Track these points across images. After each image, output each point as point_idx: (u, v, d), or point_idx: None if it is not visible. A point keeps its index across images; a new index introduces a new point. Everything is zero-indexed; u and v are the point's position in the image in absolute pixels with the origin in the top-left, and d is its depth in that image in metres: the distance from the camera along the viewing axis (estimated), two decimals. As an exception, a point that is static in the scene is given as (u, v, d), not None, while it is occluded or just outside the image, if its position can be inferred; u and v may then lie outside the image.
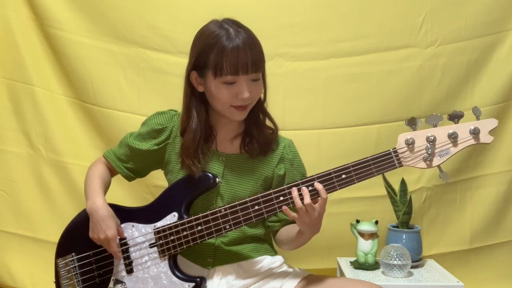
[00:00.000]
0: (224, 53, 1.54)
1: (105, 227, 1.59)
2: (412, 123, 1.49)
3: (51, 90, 2.36)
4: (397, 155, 1.49)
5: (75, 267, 1.65)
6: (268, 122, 1.74)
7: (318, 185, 1.49)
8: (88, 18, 2.32)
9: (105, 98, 2.33)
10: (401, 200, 2.17)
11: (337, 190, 1.51)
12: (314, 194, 1.49)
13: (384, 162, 1.49)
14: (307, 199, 1.48)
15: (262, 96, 1.70)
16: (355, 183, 1.50)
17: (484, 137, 1.45)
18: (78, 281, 1.65)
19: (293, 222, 1.71)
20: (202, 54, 1.59)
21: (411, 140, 1.47)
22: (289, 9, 2.31)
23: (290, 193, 1.52)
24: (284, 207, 1.50)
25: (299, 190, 1.50)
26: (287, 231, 1.71)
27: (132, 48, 2.32)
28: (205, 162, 1.67)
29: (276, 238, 1.76)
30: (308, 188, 1.50)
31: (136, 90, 2.34)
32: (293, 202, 1.51)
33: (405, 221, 2.18)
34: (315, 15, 2.30)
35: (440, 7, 2.29)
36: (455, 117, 1.46)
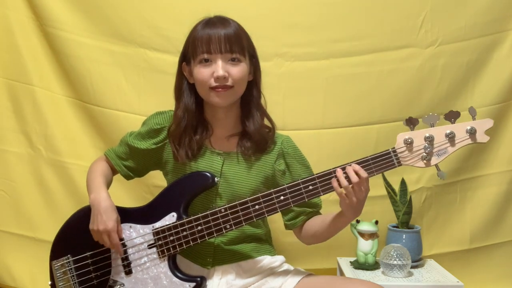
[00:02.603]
0: (199, 33, 1.61)
1: (106, 218, 1.59)
2: (410, 122, 1.51)
3: (51, 90, 2.35)
4: (396, 155, 1.51)
5: (71, 269, 1.65)
6: (266, 122, 1.75)
7: (356, 166, 1.49)
8: (88, 18, 2.31)
9: (105, 98, 2.33)
10: (401, 200, 2.17)
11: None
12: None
13: (384, 161, 1.51)
14: (355, 178, 1.47)
15: (255, 92, 1.70)
16: None
17: (481, 137, 1.48)
18: (75, 283, 1.64)
19: (313, 212, 1.71)
20: (187, 43, 1.66)
21: (409, 140, 1.49)
22: (289, 9, 2.31)
23: (291, 192, 1.53)
24: (333, 180, 1.50)
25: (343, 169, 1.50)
26: (321, 221, 1.69)
27: (132, 48, 2.32)
28: (203, 159, 1.68)
29: (305, 233, 1.73)
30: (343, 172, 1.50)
31: (136, 90, 2.34)
32: (294, 201, 1.52)
33: (405, 221, 2.18)
34: (315, 15, 2.30)
35: (440, 7, 2.29)
36: (452, 117, 1.49)
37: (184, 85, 1.70)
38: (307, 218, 1.73)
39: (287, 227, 1.76)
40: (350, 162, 1.51)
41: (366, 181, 1.50)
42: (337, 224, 1.62)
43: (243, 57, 1.63)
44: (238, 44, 1.62)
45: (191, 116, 1.67)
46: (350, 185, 1.49)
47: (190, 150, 1.67)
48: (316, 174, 1.53)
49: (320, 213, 1.74)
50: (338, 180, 1.50)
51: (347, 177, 1.49)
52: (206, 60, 1.61)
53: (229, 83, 1.61)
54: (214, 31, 1.59)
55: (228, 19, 1.65)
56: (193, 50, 1.62)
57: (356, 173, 1.48)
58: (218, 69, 1.59)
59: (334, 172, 1.51)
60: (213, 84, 1.61)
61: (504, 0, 2.28)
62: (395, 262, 2.00)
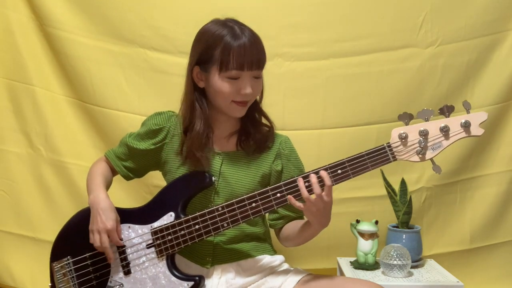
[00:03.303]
0: (231, 48, 1.57)
1: (105, 218, 1.59)
2: (404, 117, 1.52)
3: (51, 90, 2.36)
4: (391, 149, 1.51)
5: (70, 270, 1.65)
6: (265, 121, 1.76)
7: (323, 173, 1.50)
8: (88, 18, 2.31)
9: (105, 98, 2.33)
10: (401, 200, 2.16)
11: (333, 185, 1.51)
12: (319, 183, 1.50)
13: (379, 156, 1.52)
14: (318, 189, 1.48)
15: (258, 96, 1.72)
16: (350, 177, 1.52)
17: (475, 130, 1.49)
18: (75, 284, 1.64)
19: (297, 218, 1.72)
20: (207, 49, 1.61)
21: (404, 135, 1.50)
22: (289, 9, 2.31)
23: (287, 189, 1.53)
24: (289, 196, 1.50)
25: (305, 178, 1.51)
26: (293, 226, 1.71)
27: (132, 48, 2.32)
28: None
29: (281, 235, 1.77)
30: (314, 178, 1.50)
31: (136, 90, 2.34)
32: (311, 192, 1.52)
33: (405, 221, 2.18)
34: (315, 15, 2.30)
35: (440, 7, 2.29)
36: (446, 111, 1.49)
37: (197, 91, 1.68)
38: (286, 222, 1.75)
39: (270, 225, 1.79)
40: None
41: (328, 190, 1.49)
42: (306, 233, 1.63)
43: (262, 71, 1.66)
44: (264, 62, 1.65)
45: (206, 119, 1.68)
46: (312, 194, 1.49)
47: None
48: (312, 170, 1.53)
49: (303, 219, 1.74)
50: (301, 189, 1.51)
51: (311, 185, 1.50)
52: (236, 78, 1.60)
53: (251, 97, 1.65)
54: (247, 49, 1.58)
55: (256, 33, 1.64)
56: (223, 63, 1.58)
57: (321, 181, 1.49)
58: (247, 88, 1.60)
59: (328, 169, 1.51)
60: (238, 99, 1.62)
61: (504, 0, 2.28)
62: (395, 262, 2.00)
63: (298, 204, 1.50)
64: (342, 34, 2.31)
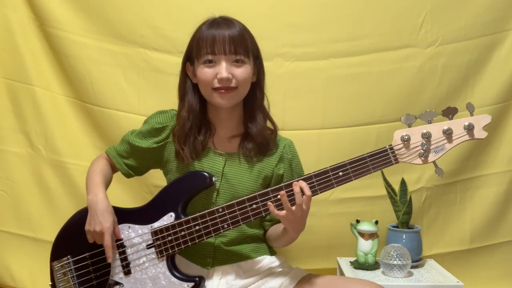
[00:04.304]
0: (204, 35, 1.61)
1: (102, 219, 1.59)
2: (407, 120, 1.51)
3: (51, 90, 2.35)
4: (393, 152, 1.51)
5: (71, 269, 1.65)
6: (268, 123, 1.75)
7: (302, 183, 1.51)
8: (88, 18, 2.31)
9: (105, 98, 2.33)
10: (401, 200, 2.16)
11: (334, 187, 1.53)
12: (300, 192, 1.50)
13: (381, 158, 1.51)
14: (299, 199, 1.49)
15: (258, 94, 1.71)
16: (352, 180, 1.52)
17: (478, 133, 1.48)
18: (75, 283, 1.64)
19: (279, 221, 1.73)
20: (190, 43, 1.67)
21: (406, 137, 1.49)
22: (289, 9, 2.31)
23: (288, 191, 1.53)
24: (269, 203, 1.52)
25: (288, 187, 1.52)
26: (274, 229, 1.74)
27: (132, 48, 2.31)
28: (205, 159, 1.69)
29: (266, 236, 1.79)
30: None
31: (136, 90, 2.34)
32: (292, 200, 1.52)
33: (405, 221, 2.18)
34: (315, 15, 2.30)
35: (440, 7, 2.29)
36: (449, 113, 1.48)
37: (188, 85, 1.70)
38: (272, 225, 1.77)
39: (261, 226, 1.80)
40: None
41: (307, 199, 1.50)
42: (285, 237, 1.65)
43: (247, 58, 1.64)
44: (243, 45, 1.62)
45: (195, 116, 1.68)
46: (292, 203, 1.50)
47: (195, 150, 1.67)
48: (313, 172, 1.54)
49: None
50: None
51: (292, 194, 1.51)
52: (210, 61, 1.61)
53: (233, 84, 1.62)
54: (219, 32, 1.60)
55: (233, 19, 1.65)
56: (197, 51, 1.63)
57: (301, 190, 1.50)
58: (222, 71, 1.59)
59: (329, 171, 1.51)
60: (216, 85, 1.62)
61: (504, 0, 2.28)
62: (395, 262, 2.00)
63: (277, 212, 1.51)
64: (342, 34, 2.30)
